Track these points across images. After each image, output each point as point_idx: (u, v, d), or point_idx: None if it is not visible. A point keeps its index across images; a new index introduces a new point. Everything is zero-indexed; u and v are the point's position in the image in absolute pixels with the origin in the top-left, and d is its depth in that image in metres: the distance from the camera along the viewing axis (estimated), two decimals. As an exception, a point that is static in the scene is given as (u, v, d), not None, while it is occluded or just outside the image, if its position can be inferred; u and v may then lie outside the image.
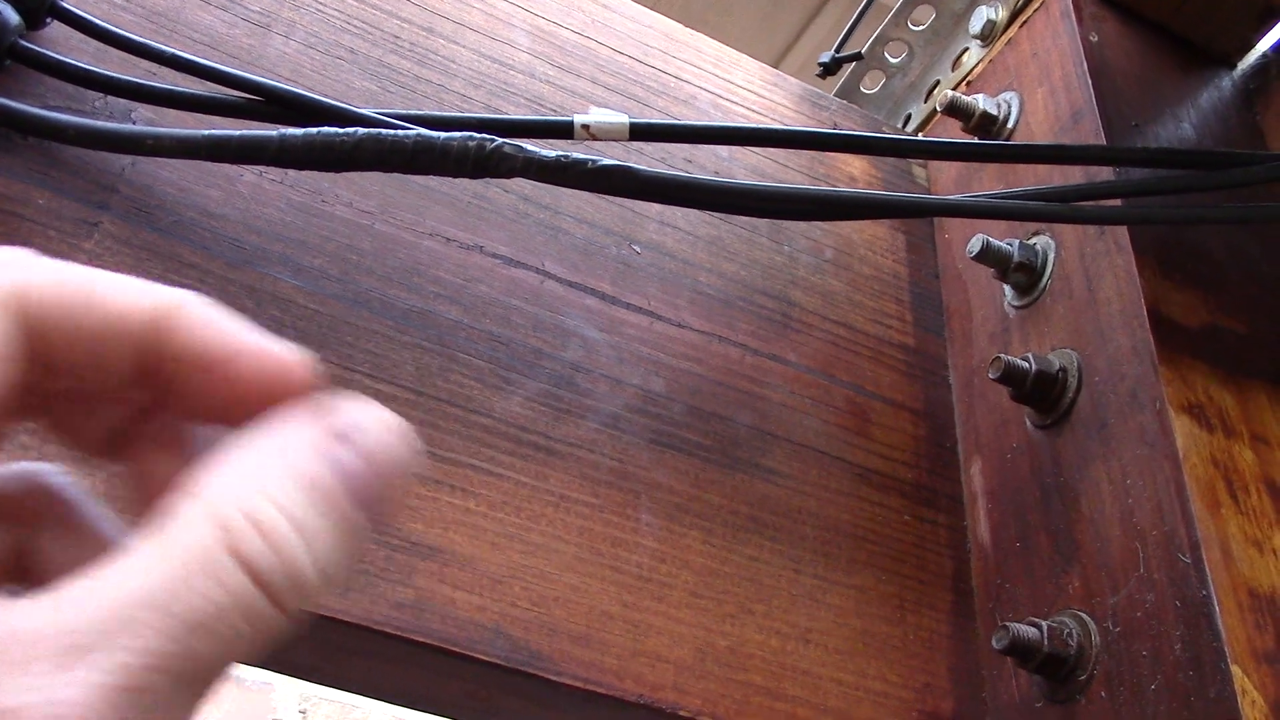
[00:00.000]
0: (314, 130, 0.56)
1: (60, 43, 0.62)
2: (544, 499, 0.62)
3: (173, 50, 0.62)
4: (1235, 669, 0.55)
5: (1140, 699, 0.59)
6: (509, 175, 0.58)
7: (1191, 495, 0.61)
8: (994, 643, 0.63)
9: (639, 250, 0.74)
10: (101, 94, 0.62)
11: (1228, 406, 0.67)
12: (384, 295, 0.64)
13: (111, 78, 0.61)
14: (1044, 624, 0.64)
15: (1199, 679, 0.57)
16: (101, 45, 0.62)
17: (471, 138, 0.57)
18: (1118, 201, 0.72)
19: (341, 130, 0.56)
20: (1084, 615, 0.64)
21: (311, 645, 0.57)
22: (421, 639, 0.55)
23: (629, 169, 0.60)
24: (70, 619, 0.23)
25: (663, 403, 0.69)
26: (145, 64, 0.63)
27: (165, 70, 0.63)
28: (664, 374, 0.70)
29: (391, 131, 0.57)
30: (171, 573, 0.24)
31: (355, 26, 0.73)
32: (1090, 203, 0.70)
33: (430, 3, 0.77)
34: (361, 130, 0.56)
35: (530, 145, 0.58)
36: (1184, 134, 0.82)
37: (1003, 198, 0.70)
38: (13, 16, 0.58)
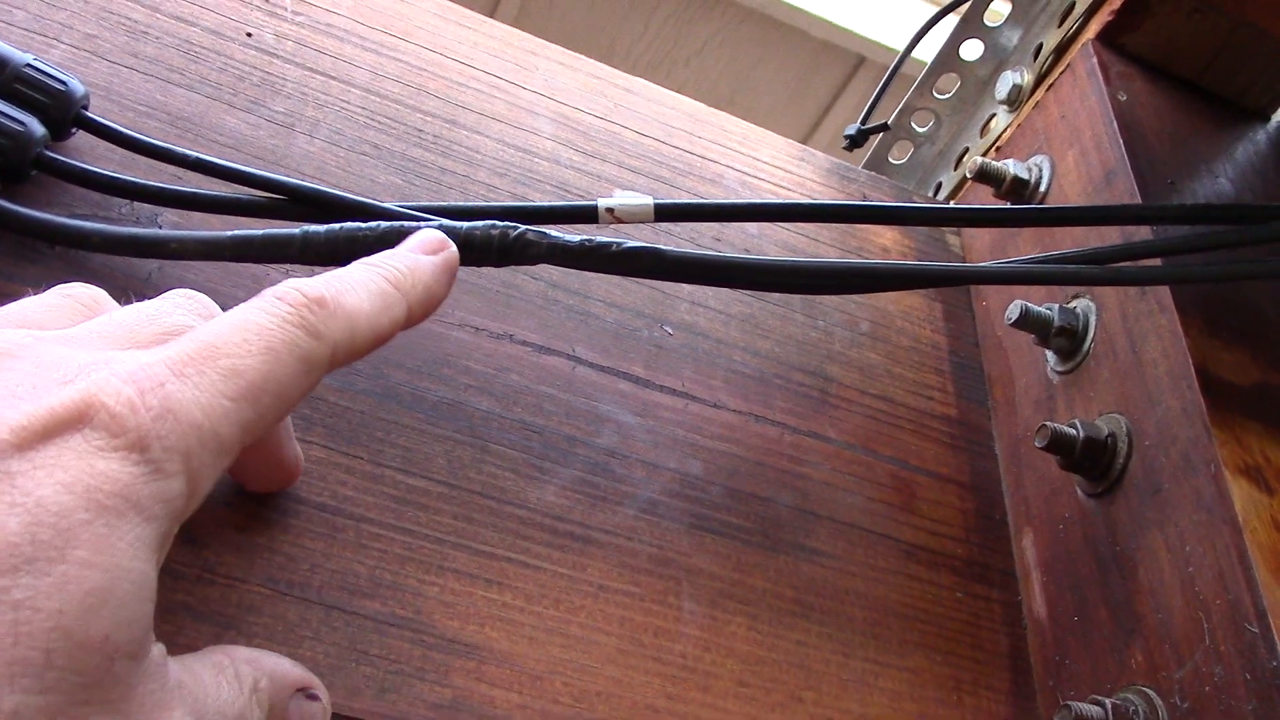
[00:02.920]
0: (336, 225, 0.56)
1: (86, 151, 0.63)
2: (583, 590, 0.60)
3: (197, 154, 0.62)
4: (1314, 744, 0.53)
5: (1215, 779, 0.56)
6: (534, 262, 0.57)
7: (1255, 561, 0.59)
8: (1057, 723, 0.60)
9: (671, 331, 0.73)
10: (127, 200, 0.62)
11: (1286, 466, 0.65)
12: (414, 388, 0.63)
13: (136, 183, 0.61)
14: (1108, 702, 0.61)
15: (1276, 755, 0.54)
16: (127, 152, 0.63)
17: (494, 225, 0.56)
18: (1157, 261, 0.70)
19: (364, 224, 0.56)
20: (1149, 691, 0.61)
21: (349, 750, 0.55)
22: (461, 741, 0.54)
23: (656, 250, 0.59)
24: None
25: (701, 485, 0.68)
26: (170, 169, 0.64)
27: (191, 174, 0.63)
28: (701, 456, 0.69)
29: (414, 224, 0.56)
30: None
31: (378, 122, 0.73)
32: (1130, 263, 0.69)
33: (453, 94, 0.78)
34: (384, 223, 0.56)
35: (554, 231, 0.58)
36: (1221, 189, 0.81)
37: (1039, 262, 0.68)
38: (38, 129, 0.59)
